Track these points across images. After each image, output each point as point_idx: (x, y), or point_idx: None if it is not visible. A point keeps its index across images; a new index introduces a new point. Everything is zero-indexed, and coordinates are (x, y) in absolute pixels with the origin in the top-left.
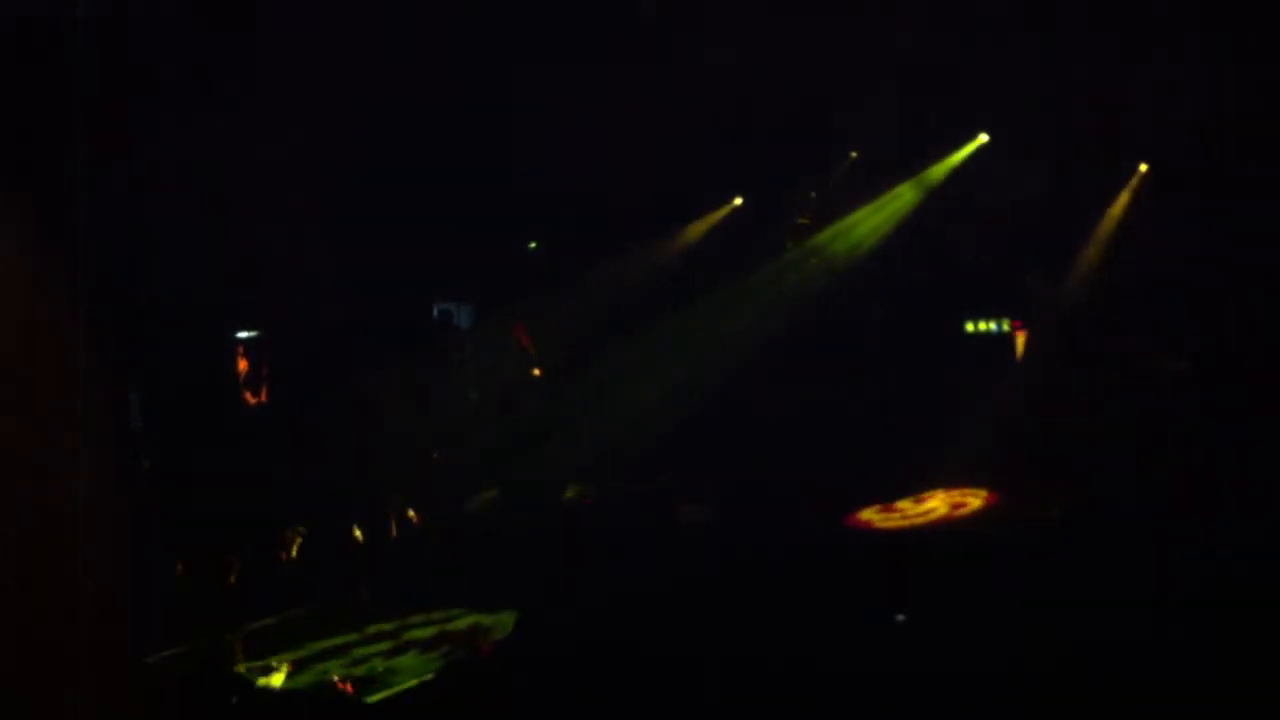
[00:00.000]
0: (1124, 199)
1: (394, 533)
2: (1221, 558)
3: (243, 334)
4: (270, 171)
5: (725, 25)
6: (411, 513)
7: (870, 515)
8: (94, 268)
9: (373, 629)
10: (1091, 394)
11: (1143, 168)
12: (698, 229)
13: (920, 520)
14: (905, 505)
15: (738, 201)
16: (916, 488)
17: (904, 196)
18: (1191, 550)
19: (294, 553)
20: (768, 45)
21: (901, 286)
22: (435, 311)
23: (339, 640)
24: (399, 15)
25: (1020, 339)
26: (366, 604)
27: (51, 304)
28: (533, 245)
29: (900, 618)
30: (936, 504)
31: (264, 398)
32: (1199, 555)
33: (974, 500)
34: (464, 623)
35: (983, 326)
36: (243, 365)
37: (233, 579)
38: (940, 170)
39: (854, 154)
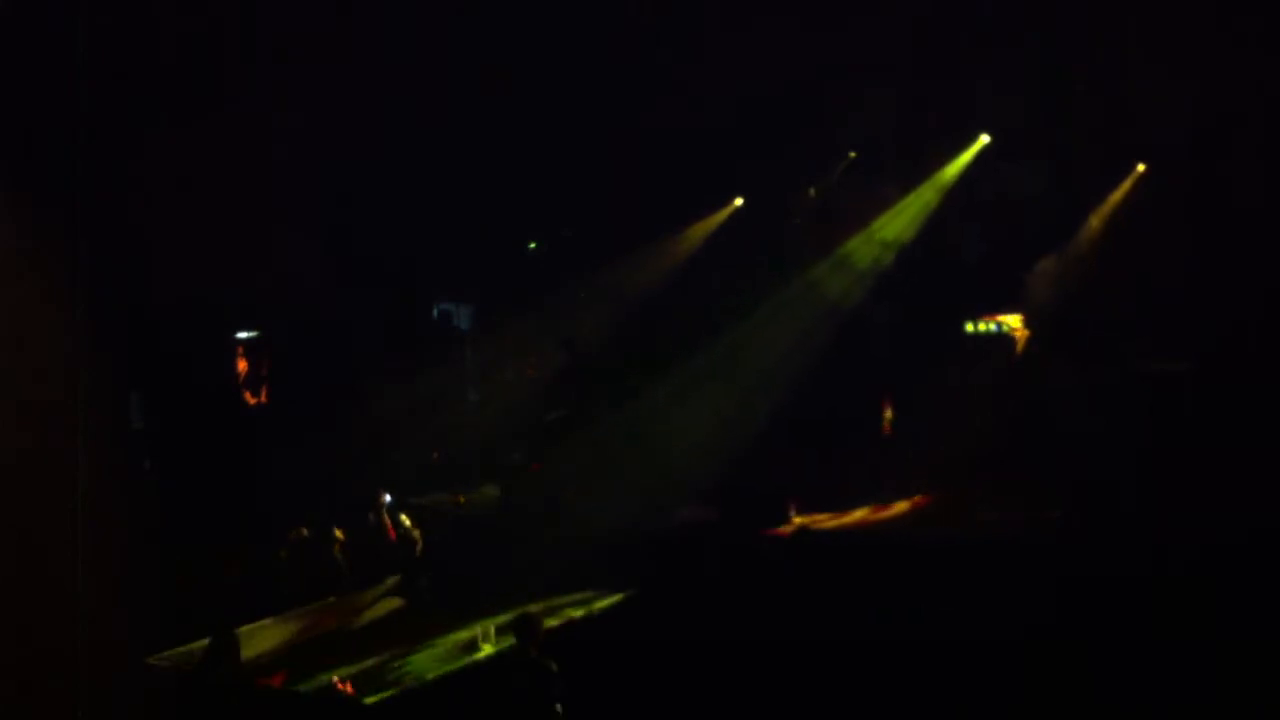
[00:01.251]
0: (1122, 199)
1: (391, 534)
2: (1222, 558)
3: (243, 334)
4: (271, 172)
5: (725, 25)
6: (404, 517)
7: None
8: (94, 268)
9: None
10: (1091, 394)
11: (1140, 168)
12: (699, 230)
13: (831, 524)
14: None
15: (738, 202)
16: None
17: (917, 201)
18: (1191, 550)
19: (295, 552)
20: (768, 45)
21: (905, 288)
22: (435, 311)
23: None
24: (400, 16)
25: (1021, 339)
26: (429, 596)
27: (52, 304)
28: (533, 245)
29: None
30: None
31: (264, 398)
32: (1198, 555)
33: (900, 504)
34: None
35: (982, 327)
36: (243, 365)
37: (234, 577)
38: (947, 173)
39: (853, 154)
